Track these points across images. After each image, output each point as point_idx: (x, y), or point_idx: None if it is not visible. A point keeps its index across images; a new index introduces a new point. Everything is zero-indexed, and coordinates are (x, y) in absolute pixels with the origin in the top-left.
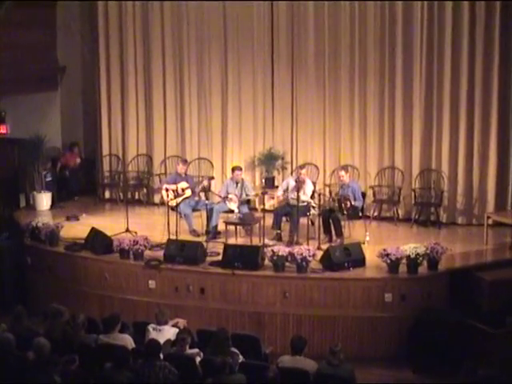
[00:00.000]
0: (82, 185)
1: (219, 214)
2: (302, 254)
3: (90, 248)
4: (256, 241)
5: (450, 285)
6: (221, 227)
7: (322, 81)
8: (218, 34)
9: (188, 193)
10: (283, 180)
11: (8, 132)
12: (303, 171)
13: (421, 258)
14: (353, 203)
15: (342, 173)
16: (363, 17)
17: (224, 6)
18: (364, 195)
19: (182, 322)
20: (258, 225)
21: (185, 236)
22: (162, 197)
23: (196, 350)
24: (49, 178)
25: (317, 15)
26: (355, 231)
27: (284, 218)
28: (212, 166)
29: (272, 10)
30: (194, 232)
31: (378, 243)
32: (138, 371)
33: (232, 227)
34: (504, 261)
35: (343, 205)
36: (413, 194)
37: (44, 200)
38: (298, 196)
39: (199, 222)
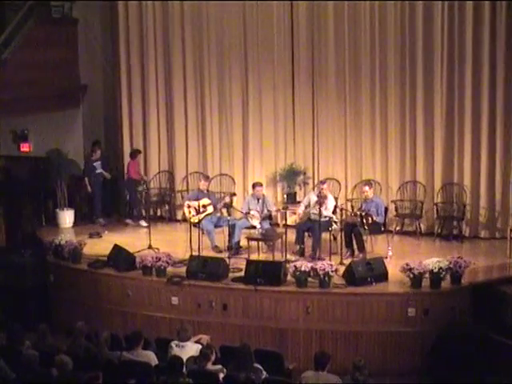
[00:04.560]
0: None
1: (241, 230)
2: (324, 270)
3: (113, 265)
4: (278, 256)
5: (473, 299)
6: (243, 243)
7: (342, 95)
8: (238, 50)
9: (210, 209)
10: (305, 195)
11: (31, 150)
12: (324, 186)
13: (444, 273)
14: (375, 219)
15: (366, 188)
16: (383, 30)
17: (244, 22)
18: (386, 210)
19: (205, 339)
20: (280, 240)
21: (207, 252)
22: (184, 213)
23: (219, 367)
24: (101, 168)
25: (337, 30)
26: (377, 246)
27: (306, 234)
28: (234, 182)
29: (292, 24)
30: (216, 248)
31: (401, 258)
32: None
33: (254, 243)
34: None
35: (365, 220)
36: (435, 207)
37: (67, 217)
38: (320, 211)
39: (221, 238)
